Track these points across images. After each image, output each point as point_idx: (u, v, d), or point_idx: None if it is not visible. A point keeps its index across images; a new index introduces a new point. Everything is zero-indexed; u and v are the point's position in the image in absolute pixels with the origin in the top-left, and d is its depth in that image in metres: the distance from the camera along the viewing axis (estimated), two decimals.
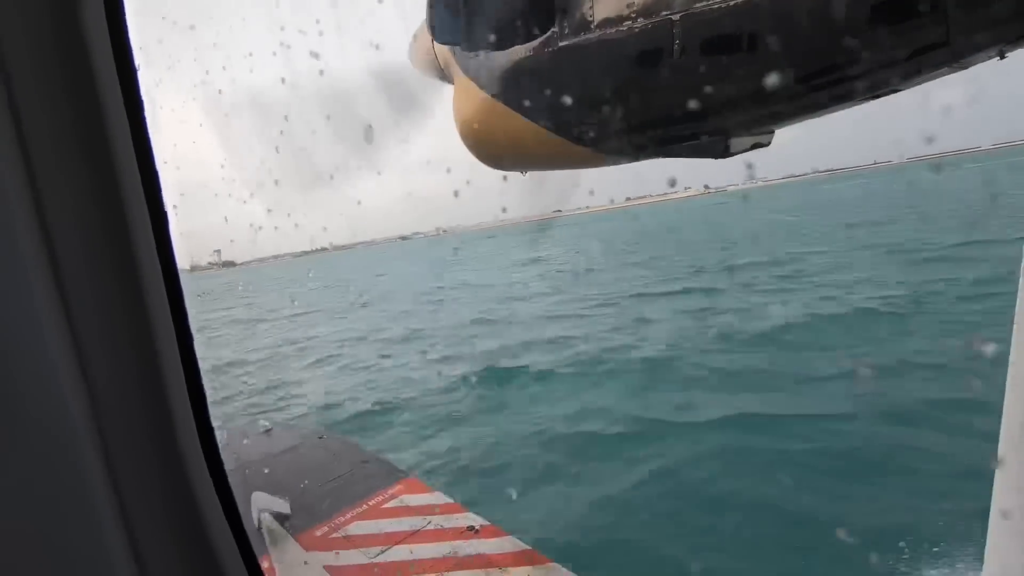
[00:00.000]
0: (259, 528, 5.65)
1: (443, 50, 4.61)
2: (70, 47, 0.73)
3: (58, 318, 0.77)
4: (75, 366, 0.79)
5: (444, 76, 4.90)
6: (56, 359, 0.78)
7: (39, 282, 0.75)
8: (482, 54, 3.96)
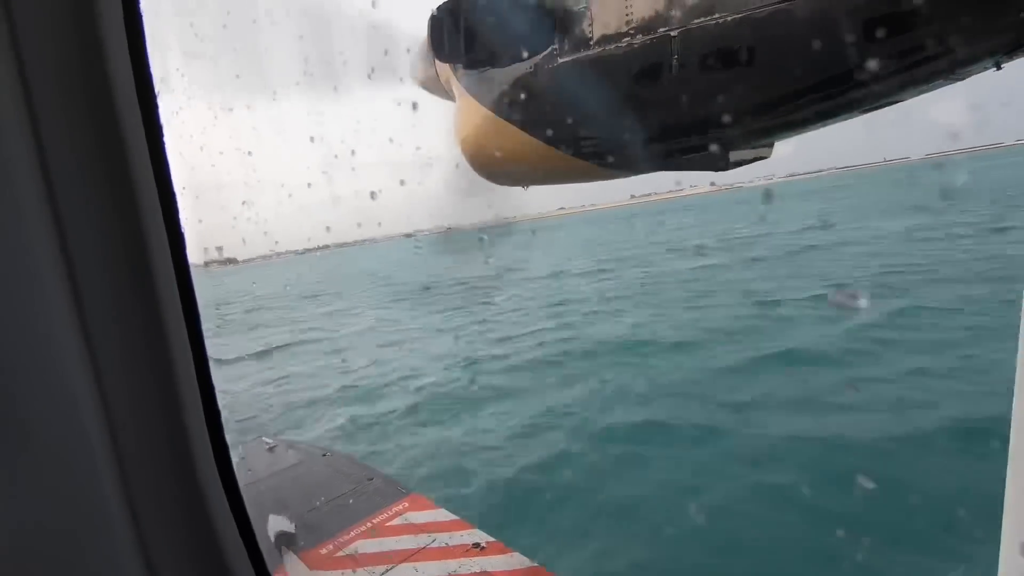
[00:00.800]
0: (277, 550, 5.61)
1: (444, 67, 4.68)
2: (89, 59, 0.75)
3: (73, 327, 0.78)
4: (89, 375, 0.79)
5: (446, 93, 4.97)
6: (70, 367, 0.78)
7: (53, 291, 0.76)
8: (483, 71, 4.02)
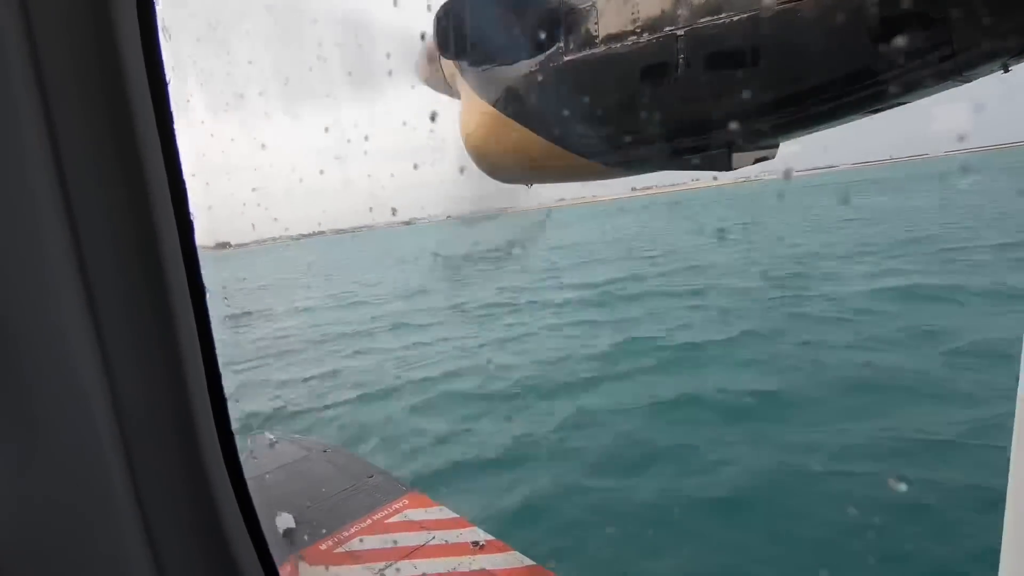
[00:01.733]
0: (289, 543, 5.63)
1: (450, 65, 4.69)
2: (104, 56, 0.76)
3: (83, 319, 0.79)
4: (99, 365, 0.80)
5: (451, 91, 4.98)
6: (79, 358, 0.79)
7: (65, 281, 0.77)
8: (488, 69, 4.02)
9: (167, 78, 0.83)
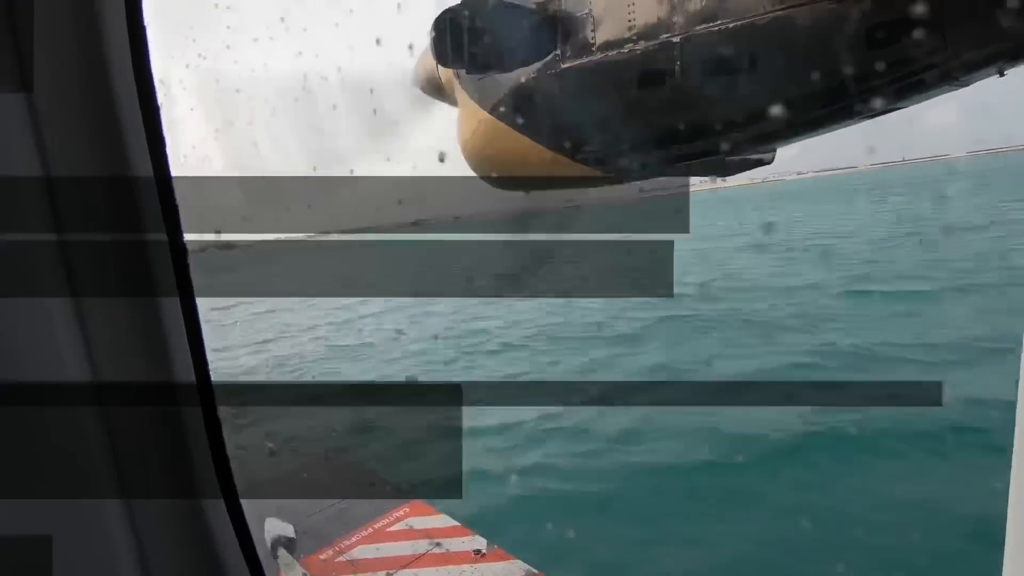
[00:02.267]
0: (274, 555, 5.59)
1: (447, 73, 4.70)
2: (90, 53, 0.76)
3: (72, 331, 0.78)
4: (87, 376, 0.80)
5: (448, 98, 4.99)
6: (68, 368, 0.79)
7: (53, 295, 0.77)
8: (486, 76, 4.03)
9: (153, 75, 0.83)
